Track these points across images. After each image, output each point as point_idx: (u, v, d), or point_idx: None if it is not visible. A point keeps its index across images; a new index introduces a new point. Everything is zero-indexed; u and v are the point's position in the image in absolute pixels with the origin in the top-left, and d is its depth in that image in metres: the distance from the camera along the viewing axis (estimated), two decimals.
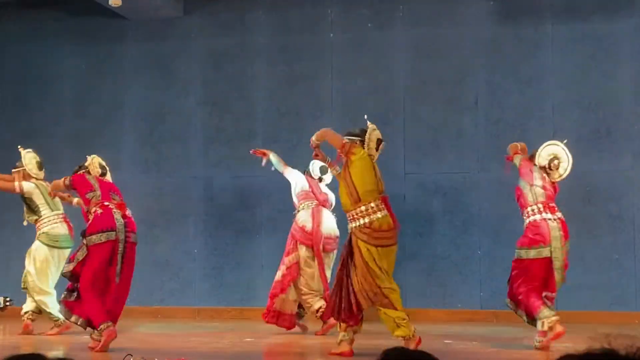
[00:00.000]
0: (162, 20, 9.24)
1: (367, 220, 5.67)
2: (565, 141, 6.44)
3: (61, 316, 6.96)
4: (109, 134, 9.17)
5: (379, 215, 5.68)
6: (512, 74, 8.59)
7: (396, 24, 8.86)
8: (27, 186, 7.42)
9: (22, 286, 7.45)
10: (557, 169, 6.30)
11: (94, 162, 6.58)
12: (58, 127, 9.32)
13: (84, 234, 6.20)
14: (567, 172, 6.33)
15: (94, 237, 6.10)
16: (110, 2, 8.45)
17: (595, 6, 8.46)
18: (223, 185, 8.97)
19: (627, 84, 8.36)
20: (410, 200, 8.62)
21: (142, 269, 9.05)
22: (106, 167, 6.69)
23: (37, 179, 7.49)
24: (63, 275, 6.38)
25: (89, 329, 6.15)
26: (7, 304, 9.22)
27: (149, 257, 8.96)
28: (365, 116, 6.08)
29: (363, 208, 5.68)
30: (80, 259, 6.12)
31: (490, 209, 8.50)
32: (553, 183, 6.34)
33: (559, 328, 5.96)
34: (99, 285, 6.08)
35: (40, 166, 7.55)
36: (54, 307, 7.22)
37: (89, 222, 6.23)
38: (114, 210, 6.21)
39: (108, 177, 6.67)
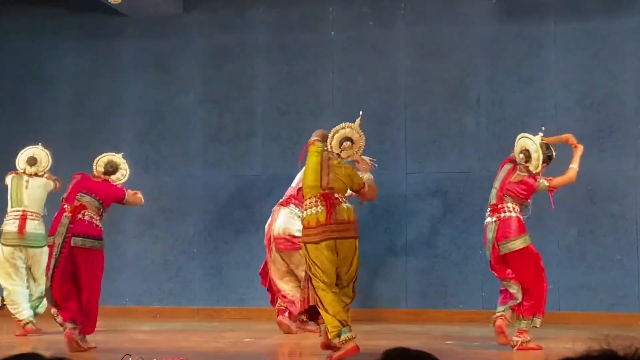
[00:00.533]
0: (161, 17, 9.19)
1: (304, 215, 5.72)
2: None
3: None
4: (107, 131, 9.12)
5: (312, 211, 5.63)
6: (514, 72, 8.54)
7: (398, 22, 8.82)
8: (7, 180, 7.44)
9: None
10: (530, 161, 6.19)
11: (99, 162, 6.52)
12: (57, 124, 9.27)
13: None
14: (540, 160, 6.20)
15: (49, 239, 6.26)
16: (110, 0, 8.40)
17: (598, 5, 8.42)
18: (222, 184, 8.93)
19: (630, 83, 8.31)
20: (411, 199, 8.59)
21: (141, 268, 9.01)
22: (117, 165, 6.57)
23: (24, 173, 7.42)
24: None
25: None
26: (4, 303, 9.16)
27: (148, 257, 8.92)
28: (360, 112, 6.01)
29: (306, 202, 5.71)
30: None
31: None
32: (532, 176, 6.19)
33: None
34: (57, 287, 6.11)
35: (30, 161, 7.46)
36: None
37: None
38: (65, 214, 6.14)
39: (115, 177, 6.56)
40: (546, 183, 6.21)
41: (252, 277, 8.64)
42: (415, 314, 8.38)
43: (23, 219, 7.28)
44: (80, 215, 6.14)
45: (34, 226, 7.28)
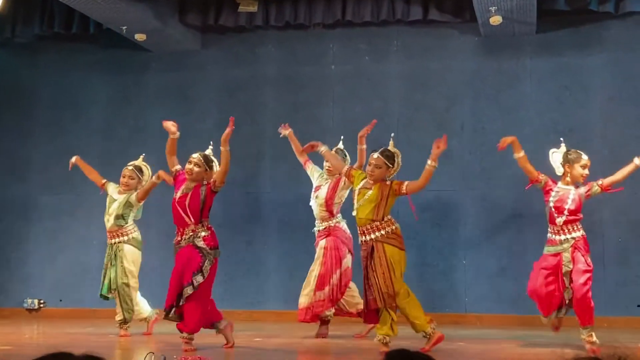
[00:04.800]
0: (182, 53, 9.28)
1: (395, 226, 5.93)
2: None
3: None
4: (134, 154, 9.05)
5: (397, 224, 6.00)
6: (495, 102, 8.61)
7: (391, 57, 8.90)
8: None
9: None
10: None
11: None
12: (89, 147, 9.33)
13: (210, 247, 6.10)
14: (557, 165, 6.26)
15: (217, 251, 6.17)
16: (135, 37, 8.51)
17: (569, 43, 8.51)
18: (235, 200, 8.96)
19: (597, 112, 8.38)
20: (402, 215, 8.60)
21: (162, 276, 9.04)
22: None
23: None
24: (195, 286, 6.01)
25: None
26: (41, 305, 9.22)
27: (168, 265, 8.95)
28: (392, 134, 6.31)
29: (387, 218, 5.92)
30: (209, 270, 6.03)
31: (474, 223, 8.51)
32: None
33: None
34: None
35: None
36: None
37: (209, 235, 6.15)
38: None
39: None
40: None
41: (260, 283, 8.71)
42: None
43: None
44: None
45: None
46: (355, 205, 5.91)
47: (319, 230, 6.97)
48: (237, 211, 8.98)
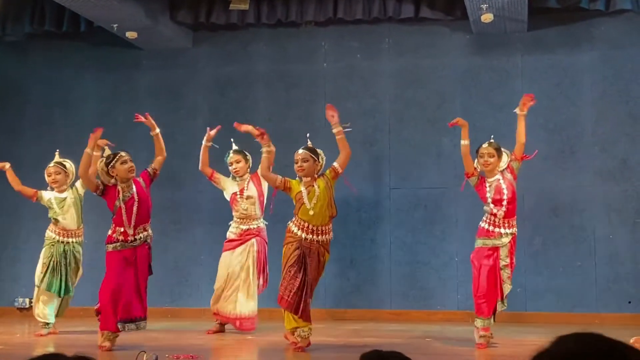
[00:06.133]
0: (173, 50, 9.25)
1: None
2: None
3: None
4: (124, 151, 9.12)
5: None
6: (486, 99, 8.61)
7: (382, 54, 8.89)
8: None
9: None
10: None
11: None
12: (79, 145, 9.19)
13: None
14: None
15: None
16: (126, 35, 8.47)
17: (560, 40, 8.51)
18: (227, 199, 8.92)
19: (588, 109, 8.39)
20: (394, 212, 8.63)
21: (156, 273, 9.02)
22: None
23: None
24: None
25: None
26: (32, 305, 9.16)
27: (161, 263, 8.93)
28: (308, 135, 6.38)
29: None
30: None
31: (466, 220, 8.49)
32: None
33: None
34: None
35: None
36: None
37: None
38: None
39: None
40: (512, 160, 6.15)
41: None
42: (398, 314, 8.41)
43: None
44: None
45: None
46: (310, 205, 5.86)
47: (248, 229, 7.11)
48: (229, 209, 8.94)
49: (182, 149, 9.16)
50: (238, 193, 7.17)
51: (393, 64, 8.85)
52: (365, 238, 8.61)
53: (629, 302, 8.05)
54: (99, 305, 6.03)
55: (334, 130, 6.03)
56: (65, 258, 7.14)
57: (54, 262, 7.11)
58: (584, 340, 1.33)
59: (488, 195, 6.03)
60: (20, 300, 9.12)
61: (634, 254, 8.12)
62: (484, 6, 7.59)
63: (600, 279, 8.12)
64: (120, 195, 5.99)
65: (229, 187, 7.28)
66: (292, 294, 5.74)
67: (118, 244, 5.96)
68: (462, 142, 6.12)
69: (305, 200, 5.86)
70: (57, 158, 7.41)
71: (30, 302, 9.12)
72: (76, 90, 9.44)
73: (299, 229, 5.86)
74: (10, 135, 9.47)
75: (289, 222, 6.01)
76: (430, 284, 8.47)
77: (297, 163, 6.01)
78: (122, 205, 5.96)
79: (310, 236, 5.85)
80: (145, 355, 4.96)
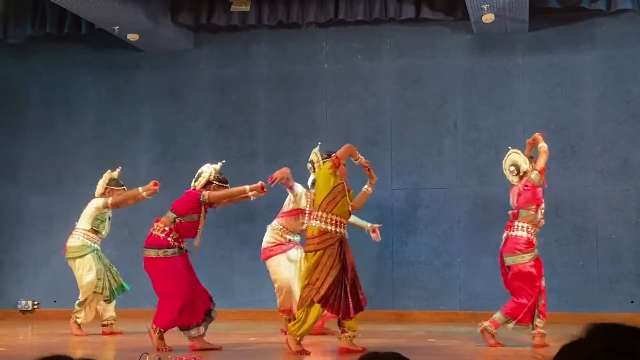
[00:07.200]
0: (174, 52, 9.25)
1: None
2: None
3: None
4: (126, 153, 9.15)
5: None
6: (487, 100, 8.61)
7: (383, 55, 8.89)
8: None
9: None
10: (519, 173, 6.18)
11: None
12: (81, 147, 9.31)
13: None
14: (507, 173, 6.25)
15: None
16: (127, 36, 8.47)
17: (561, 40, 8.51)
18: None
19: (589, 109, 8.39)
20: (396, 212, 8.62)
21: None
22: (199, 173, 6.60)
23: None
24: None
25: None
26: (35, 307, 9.18)
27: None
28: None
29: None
30: None
31: (467, 220, 8.50)
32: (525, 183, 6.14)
33: None
34: None
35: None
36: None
37: None
38: None
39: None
40: (535, 171, 6.09)
41: (255, 283, 8.67)
42: (401, 314, 8.41)
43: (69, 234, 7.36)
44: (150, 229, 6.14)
45: (71, 240, 7.31)
46: (352, 202, 5.84)
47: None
48: (232, 211, 8.95)
49: (183, 150, 9.17)
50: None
51: (394, 65, 8.85)
52: (368, 239, 8.57)
53: (632, 302, 8.04)
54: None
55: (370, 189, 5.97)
56: (103, 263, 7.27)
57: (103, 268, 7.23)
58: (619, 336, 1.20)
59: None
60: (23, 302, 9.12)
61: (636, 253, 8.11)
62: (485, 6, 7.59)
63: (603, 279, 8.11)
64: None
65: (304, 202, 7.10)
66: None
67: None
68: (543, 146, 6.24)
69: (347, 196, 5.72)
70: (117, 175, 7.38)
71: (34, 305, 9.13)
72: (77, 92, 9.43)
73: (336, 227, 5.67)
74: (12, 137, 9.46)
75: (316, 223, 5.70)
76: (432, 285, 8.47)
77: (343, 172, 5.80)
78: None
79: (341, 230, 5.74)
80: (148, 356, 4.95)
